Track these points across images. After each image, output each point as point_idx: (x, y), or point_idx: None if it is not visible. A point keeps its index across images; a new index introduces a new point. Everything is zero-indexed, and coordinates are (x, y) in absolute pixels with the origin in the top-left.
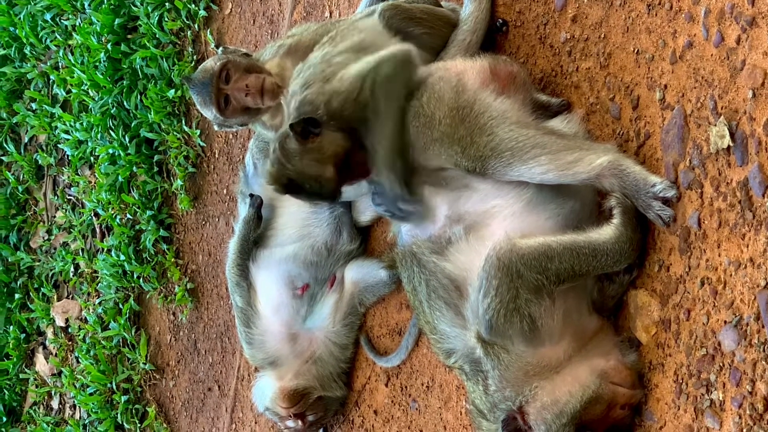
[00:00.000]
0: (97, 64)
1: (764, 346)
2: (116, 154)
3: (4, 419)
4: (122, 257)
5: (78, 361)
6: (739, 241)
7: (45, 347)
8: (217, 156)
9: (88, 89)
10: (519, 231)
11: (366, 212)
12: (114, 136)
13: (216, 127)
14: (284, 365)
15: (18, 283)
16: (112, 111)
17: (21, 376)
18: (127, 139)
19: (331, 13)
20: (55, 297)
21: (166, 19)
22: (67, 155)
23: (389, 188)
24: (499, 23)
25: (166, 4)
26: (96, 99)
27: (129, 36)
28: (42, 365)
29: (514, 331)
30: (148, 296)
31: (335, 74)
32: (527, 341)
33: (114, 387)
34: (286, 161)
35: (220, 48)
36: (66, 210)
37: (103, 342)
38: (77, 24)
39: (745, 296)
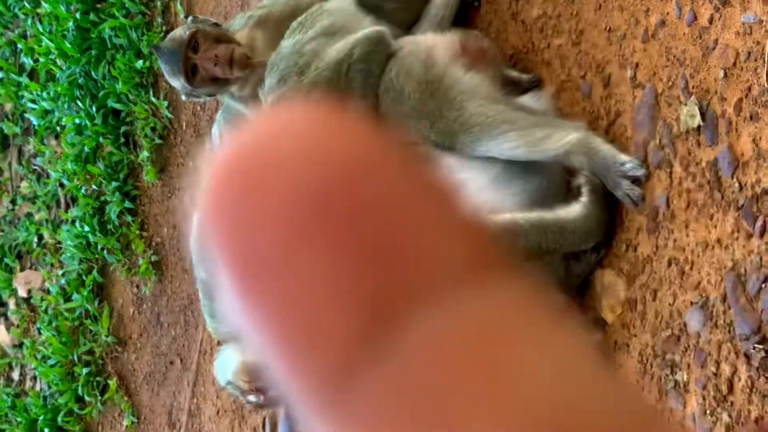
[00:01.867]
0: (66, 33)
1: (730, 328)
2: (83, 124)
3: None
4: (86, 228)
5: (40, 333)
6: (707, 222)
7: (6, 318)
8: (184, 128)
9: (55, 58)
10: (485, 206)
11: None
12: (81, 106)
13: (184, 97)
14: None
15: None
16: (79, 81)
17: None
18: (94, 109)
19: None
20: (18, 267)
21: None
22: (33, 125)
23: None
24: None
25: None
26: (63, 68)
27: (98, 5)
28: (3, 336)
29: None
30: (111, 268)
31: (309, 65)
32: None
33: (75, 359)
34: None
35: (190, 17)
36: (31, 180)
37: (65, 314)
38: None
39: (712, 277)
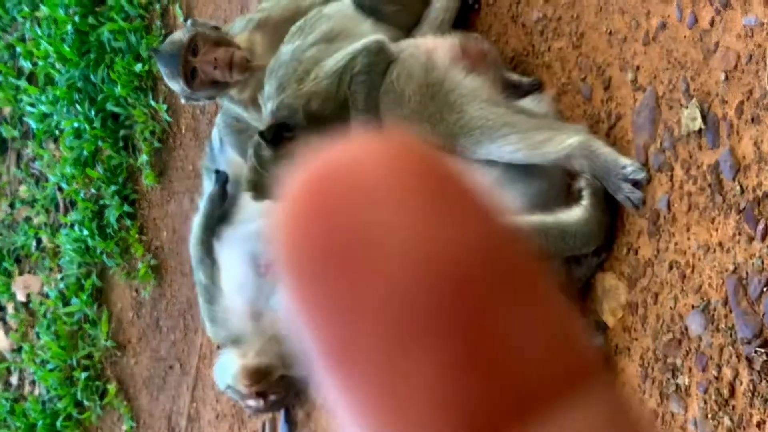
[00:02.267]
0: (65, 36)
1: (731, 332)
2: (81, 128)
3: None
4: (85, 232)
5: (38, 337)
6: (709, 225)
7: (5, 322)
8: (183, 131)
9: (54, 62)
10: None
11: None
12: (79, 110)
13: (183, 101)
14: (247, 343)
15: None
16: (78, 84)
17: None
18: (92, 113)
19: None
20: (17, 271)
21: None
22: (32, 128)
23: None
24: (471, 1)
25: None
26: (62, 72)
27: (97, 9)
28: (2, 340)
29: None
30: (110, 272)
31: (309, 72)
32: None
33: (74, 363)
34: (261, 168)
35: (189, 21)
36: (29, 184)
37: (64, 318)
38: None
39: (714, 281)
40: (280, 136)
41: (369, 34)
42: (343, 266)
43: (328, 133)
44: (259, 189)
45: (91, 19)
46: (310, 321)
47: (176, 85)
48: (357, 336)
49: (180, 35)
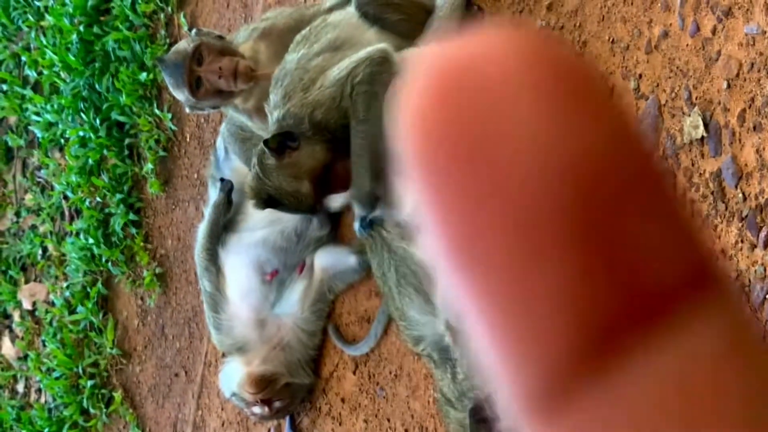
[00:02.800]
0: (69, 45)
1: None
2: (86, 136)
3: None
4: (91, 241)
5: (44, 345)
6: (711, 233)
7: (11, 330)
8: (188, 140)
9: (59, 71)
10: None
11: (337, 198)
12: (85, 119)
13: (187, 110)
14: (252, 351)
15: None
16: (83, 93)
17: None
18: (98, 121)
19: None
20: (23, 280)
21: (140, 1)
22: (38, 137)
23: (364, 194)
24: (475, 9)
25: None
26: (67, 81)
27: (102, 18)
28: (8, 349)
29: None
30: (116, 280)
31: (314, 81)
32: None
33: (80, 371)
34: (264, 177)
35: (194, 30)
36: (35, 192)
37: (70, 326)
38: (50, 5)
39: None
40: (284, 145)
41: (374, 42)
42: (474, 162)
43: (333, 143)
44: (263, 197)
45: (95, 29)
46: (436, 216)
47: (181, 95)
48: (484, 232)
49: (184, 45)
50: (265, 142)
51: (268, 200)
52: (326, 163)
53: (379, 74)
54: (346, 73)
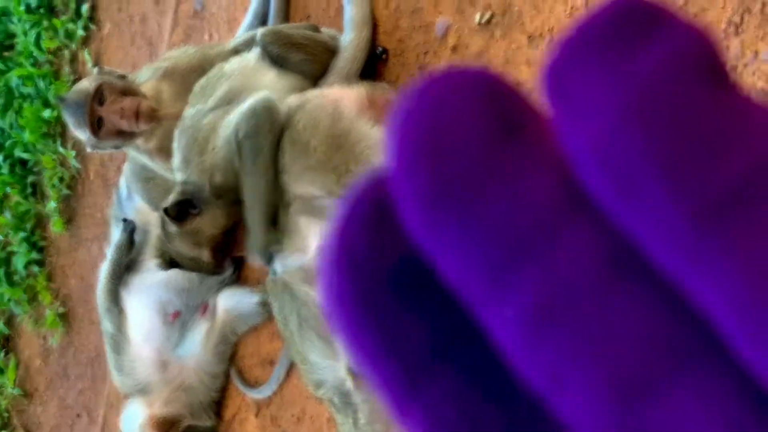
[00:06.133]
0: None
1: None
2: None
3: None
4: None
5: None
6: None
7: None
8: (92, 178)
9: None
10: None
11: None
12: None
13: (89, 149)
14: (154, 392)
15: None
16: None
17: None
18: (0, 158)
19: (210, 36)
20: None
21: (44, 37)
22: None
23: (258, 245)
24: (379, 51)
25: (44, 22)
26: None
27: (5, 53)
28: None
29: None
30: (18, 319)
31: (207, 141)
32: None
33: None
34: (167, 241)
35: (96, 68)
36: None
37: None
38: None
39: None
40: (185, 212)
41: (272, 86)
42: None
43: (235, 205)
44: (164, 258)
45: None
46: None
47: (82, 135)
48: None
49: (86, 84)
50: (165, 209)
51: (171, 262)
52: (229, 227)
53: (261, 126)
54: (233, 129)
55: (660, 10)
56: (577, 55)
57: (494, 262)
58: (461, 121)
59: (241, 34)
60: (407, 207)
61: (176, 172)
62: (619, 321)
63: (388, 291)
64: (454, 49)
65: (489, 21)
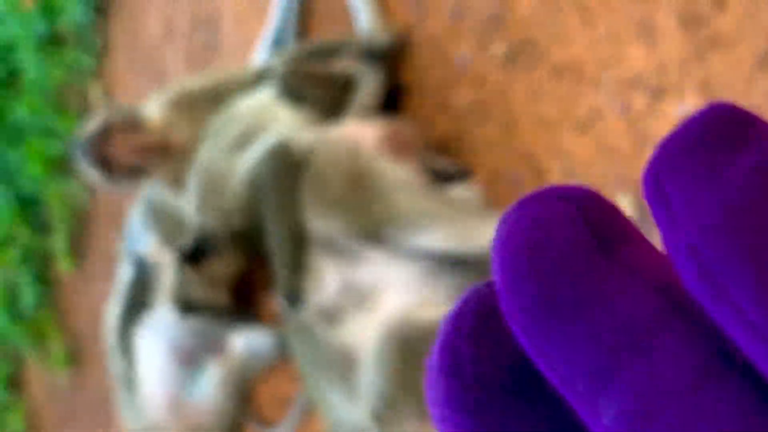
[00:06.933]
0: None
1: None
2: None
3: None
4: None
5: None
6: None
7: None
8: (101, 214)
9: None
10: (415, 302)
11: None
12: None
13: (102, 188)
14: None
15: None
16: None
17: None
18: (7, 194)
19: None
20: None
21: (52, 69)
22: None
23: (286, 289)
24: (398, 86)
25: (53, 55)
26: None
27: (12, 86)
28: None
29: (410, 408)
30: (25, 358)
31: (225, 185)
32: (424, 418)
33: None
34: (185, 286)
35: (103, 106)
36: None
37: None
38: None
39: None
40: (201, 254)
41: (290, 123)
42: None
43: (254, 247)
44: (180, 304)
45: (6, 98)
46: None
47: (93, 174)
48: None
49: (94, 125)
50: (181, 251)
51: (185, 301)
52: (247, 269)
53: (281, 168)
54: (251, 173)
55: (753, 117)
56: (676, 159)
57: (596, 367)
58: (560, 239)
59: (259, 51)
60: (513, 320)
61: (193, 215)
62: (715, 424)
63: (498, 396)
64: (474, 82)
65: (510, 53)
